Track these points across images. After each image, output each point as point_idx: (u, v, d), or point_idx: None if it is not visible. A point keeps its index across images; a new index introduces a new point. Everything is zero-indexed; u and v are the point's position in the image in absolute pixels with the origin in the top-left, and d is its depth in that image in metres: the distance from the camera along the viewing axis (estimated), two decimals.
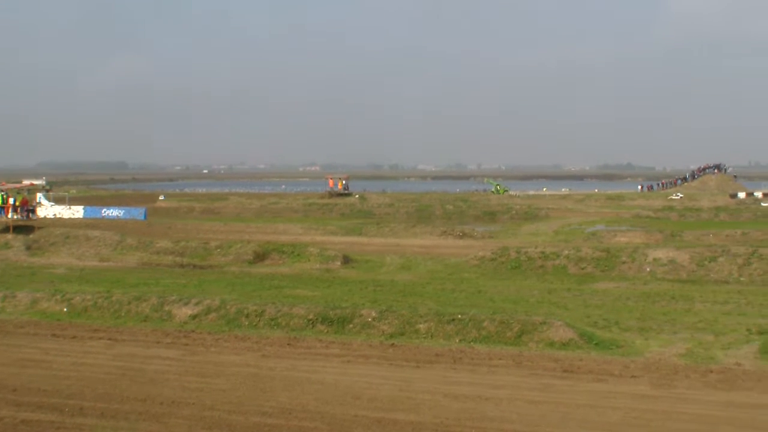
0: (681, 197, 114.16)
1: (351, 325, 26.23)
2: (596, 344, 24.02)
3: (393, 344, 24.43)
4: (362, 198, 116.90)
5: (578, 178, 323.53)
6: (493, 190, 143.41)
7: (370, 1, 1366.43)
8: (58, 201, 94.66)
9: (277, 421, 17.50)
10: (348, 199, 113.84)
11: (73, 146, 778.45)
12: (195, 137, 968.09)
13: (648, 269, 41.27)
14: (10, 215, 59.74)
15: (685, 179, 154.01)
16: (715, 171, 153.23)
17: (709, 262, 40.82)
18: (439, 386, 19.79)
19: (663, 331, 26.43)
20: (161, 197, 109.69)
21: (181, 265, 47.26)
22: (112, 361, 22.67)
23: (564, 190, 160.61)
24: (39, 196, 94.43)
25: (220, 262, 47.94)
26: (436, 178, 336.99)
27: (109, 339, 25.57)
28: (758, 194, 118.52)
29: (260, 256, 48.58)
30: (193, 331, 26.53)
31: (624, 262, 42.30)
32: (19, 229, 58.30)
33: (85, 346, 24.76)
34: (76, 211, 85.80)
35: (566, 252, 44.65)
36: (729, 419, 17.25)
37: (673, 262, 41.43)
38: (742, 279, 38.95)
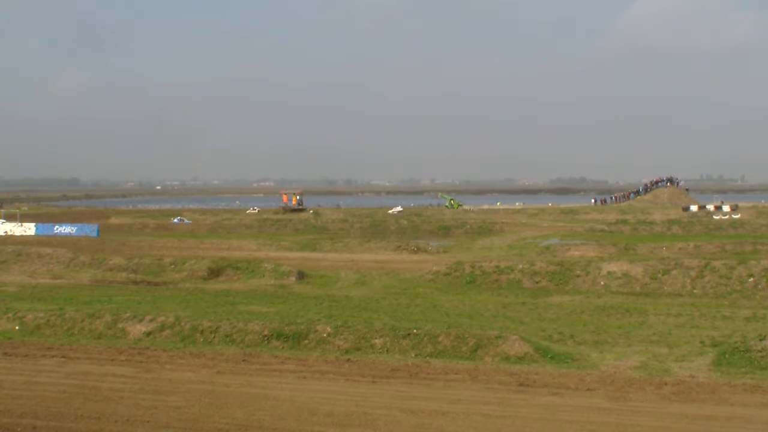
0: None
1: (306, 341, 26.14)
2: (551, 358, 24.09)
3: (349, 360, 24.38)
4: (316, 213, 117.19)
5: (532, 192, 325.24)
6: (447, 204, 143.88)
7: (327, 19, 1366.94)
8: (9, 218, 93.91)
9: None
10: (302, 215, 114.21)
11: (23, 163, 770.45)
12: (148, 153, 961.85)
13: (602, 282, 41.53)
14: None
15: (638, 192, 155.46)
16: (668, 184, 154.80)
17: (663, 275, 41.14)
18: (395, 401, 19.74)
19: (617, 344, 26.58)
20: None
21: (135, 282, 46.97)
22: (66, 380, 22.41)
23: (518, 205, 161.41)
24: None
25: (174, 279, 47.70)
26: (390, 193, 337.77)
27: (63, 357, 25.28)
28: (710, 207, 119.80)
29: (214, 273, 48.41)
30: (147, 348, 26.31)
31: (578, 276, 42.55)
32: None
33: (37, 364, 24.45)
34: (28, 228, 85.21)
35: (521, 266, 44.84)
36: (683, 431, 17.36)
37: (627, 275, 41.71)
38: (695, 291, 39.29)
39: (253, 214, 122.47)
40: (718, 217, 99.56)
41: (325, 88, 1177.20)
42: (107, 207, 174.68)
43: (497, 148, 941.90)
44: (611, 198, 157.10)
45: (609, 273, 42.21)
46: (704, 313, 33.40)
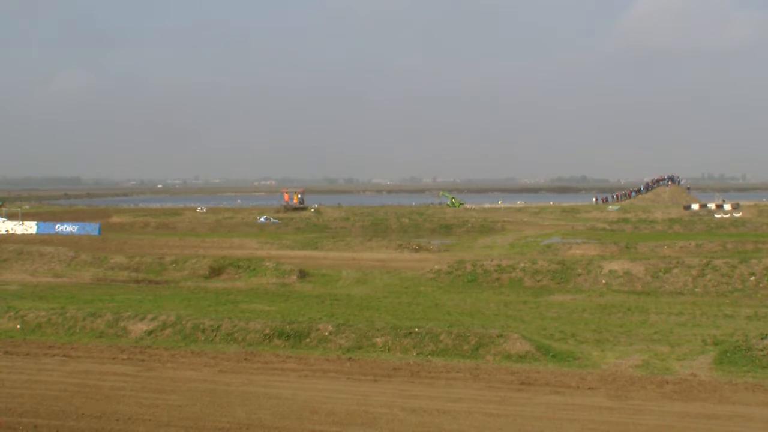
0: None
1: (308, 340, 26.11)
2: (553, 356, 24.07)
3: (350, 358, 24.35)
4: (318, 212, 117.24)
5: (533, 191, 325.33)
6: (448, 203, 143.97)
7: (327, 16, 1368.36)
8: (11, 217, 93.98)
9: None
10: (303, 213, 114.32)
11: (25, 162, 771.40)
12: (149, 152, 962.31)
13: (603, 281, 41.51)
14: None
15: (639, 191, 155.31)
16: (669, 183, 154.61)
17: (664, 273, 41.13)
18: (396, 400, 19.72)
19: (619, 342, 26.55)
20: None
21: (136, 281, 46.89)
22: (67, 378, 22.38)
23: (519, 203, 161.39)
24: None
25: (176, 278, 47.66)
26: (392, 191, 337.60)
27: (64, 356, 25.26)
28: (711, 206, 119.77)
29: (216, 271, 48.42)
30: (148, 347, 26.27)
31: (579, 275, 42.52)
32: None
33: (39, 363, 24.42)
34: (30, 227, 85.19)
35: (522, 265, 44.82)
36: (685, 430, 17.34)
37: (628, 273, 41.68)
38: (696, 290, 39.27)
39: (202, 213, 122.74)
40: (719, 216, 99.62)
41: (326, 87, 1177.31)
42: (108, 206, 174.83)
43: (498, 148, 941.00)
44: (612, 196, 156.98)
45: (610, 272, 42.19)
46: (706, 312, 33.40)
